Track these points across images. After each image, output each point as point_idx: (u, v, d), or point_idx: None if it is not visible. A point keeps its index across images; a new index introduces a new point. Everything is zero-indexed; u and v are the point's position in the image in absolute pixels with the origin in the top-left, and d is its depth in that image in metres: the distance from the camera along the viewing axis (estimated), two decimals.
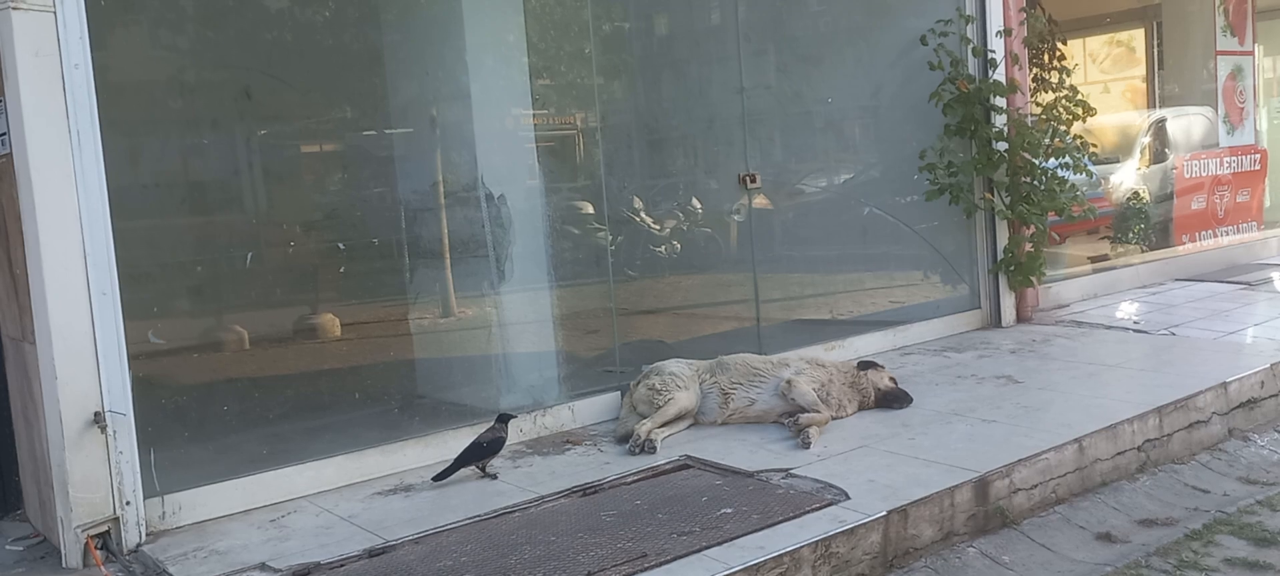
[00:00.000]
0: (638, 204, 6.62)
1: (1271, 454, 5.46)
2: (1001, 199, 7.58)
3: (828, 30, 7.88)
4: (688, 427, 5.52)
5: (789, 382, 5.46)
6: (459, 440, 5.06)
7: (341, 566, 3.99)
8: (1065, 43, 10.11)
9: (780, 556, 3.82)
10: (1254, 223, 10.94)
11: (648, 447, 5.15)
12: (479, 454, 4.93)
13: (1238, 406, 5.74)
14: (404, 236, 5.80)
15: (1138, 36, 12.09)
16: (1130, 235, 10.28)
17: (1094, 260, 9.94)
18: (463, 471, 4.90)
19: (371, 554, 4.07)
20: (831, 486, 4.46)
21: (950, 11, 7.45)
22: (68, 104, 4.12)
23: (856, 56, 7.89)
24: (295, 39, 5.67)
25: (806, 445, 5.06)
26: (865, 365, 5.86)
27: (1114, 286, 9.17)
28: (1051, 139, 7.55)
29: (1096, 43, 12.49)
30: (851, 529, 4.03)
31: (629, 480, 4.79)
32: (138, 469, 4.33)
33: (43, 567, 4.37)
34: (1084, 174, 7.79)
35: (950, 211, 7.53)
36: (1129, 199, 10.42)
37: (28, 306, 4.27)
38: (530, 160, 6.27)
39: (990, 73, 7.53)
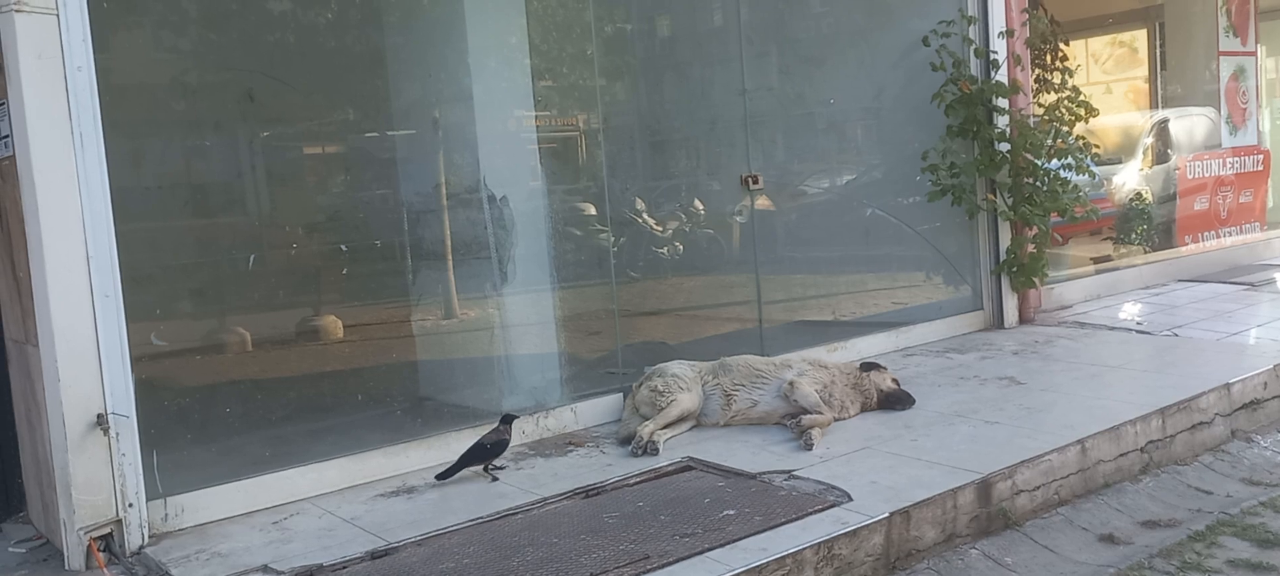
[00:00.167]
0: (640, 205, 6.62)
1: (1275, 455, 5.45)
2: (1004, 200, 7.58)
3: (830, 32, 7.87)
4: (690, 429, 5.52)
5: (791, 384, 5.46)
6: (461, 442, 5.07)
7: (344, 568, 3.99)
8: (1067, 43, 10.10)
9: (783, 558, 3.81)
10: (1257, 223, 10.93)
11: (650, 449, 5.15)
12: (482, 454, 4.94)
13: (1241, 407, 5.74)
14: (406, 238, 5.80)
15: (1140, 37, 12.07)
16: (1133, 236, 10.27)
17: (1096, 261, 9.93)
18: (466, 471, 4.91)
19: (374, 556, 4.07)
20: (834, 488, 4.46)
21: (952, 12, 7.45)
22: (70, 106, 4.13)
23: (859, 58, 7.88)
24: (298, 41, 5.68)
25: (809, 447, 5.05)
26: (868, 366, 5.86)
27: (1117, 287, 9.16)
28: (1054, 140, 7.54)
29: (1099, 43, 12.47)
30: (854, 530, 4.02)
31: (631, 482, 4.79)
32: (140, 471, 4.33)
33: (45, 570, 4.38)
34: (1086, 175, 7.78)
35: (952, 212, 7.52)
36: (1131, 200, 10.41)
37: (30, 309, 4.27)
38: (533, 162, 6.27)
39: (992, 74, 7.52)
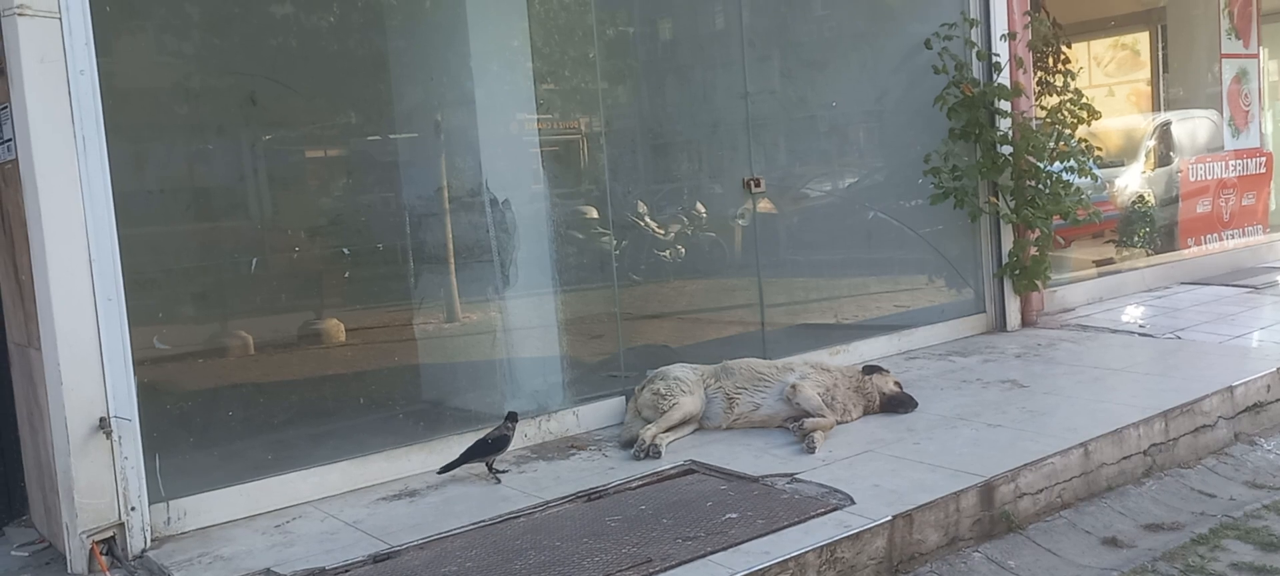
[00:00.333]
0: (642, 208, 6.62)
1: (1278, 458, 5.44)
2: (1006, 203, 7.57)
3: (832, 35, 7.87)
4: (692, 432, 5.52)
5: (794, 387, 5.45)
6: (463, 446, 5.07)
7: (346, 572, 3.99)
8: (1070, 46, 10.09)
9: (785, 561, 3.81)
10: (1260, 226, 10.92)
11: (652, 452, 5.15)
12: (484, 450, 4.95)
13: (1244, 410, 5.73)
14: (409, 242, 5.80)
15: (1142, 40, 12.06)
16: (1135, 239, 10.26)
17: (1099, 264, 9.92)
18: (470, 467, 4.93)
19: (376, 559, 4.07)
20: (836, 491, 4.45)
21: (954, 15, 7.45)
22: (73, 110, 4.13)
23: (861, 61, 7.88)
24: (300, 45, 5.68)
25: (811, 450, 5.05)
26: (870, 369, 5.85)
27: (1119, 290, 9.15)
28: (1056, 142, 7.54)
29: (1101, 46, 12.47)
30: (857, 534, 4.02)
31: (634, 485, 4.79)
32: (143, 474, 4.33)
33: (48, 573, 4.38)
34: (1089, 177, 7.77)
35: (955, 215, 7.52)
36: (1134, 202, 10.40)
37: (33, 312, 4.27)
38: (535, 165, 6.26)
39: (995, 76, 7.52)
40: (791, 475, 4.72)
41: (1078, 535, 4.49)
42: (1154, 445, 5.19)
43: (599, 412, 5.86)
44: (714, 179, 7.21)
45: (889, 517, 4.13)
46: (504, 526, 4.36)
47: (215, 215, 5.36)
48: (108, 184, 4.24)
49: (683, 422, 5.46)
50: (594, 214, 6.36)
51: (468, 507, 4.59)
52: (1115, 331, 7.60)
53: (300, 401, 5.43)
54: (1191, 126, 10.84)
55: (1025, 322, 7.93)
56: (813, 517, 4.19)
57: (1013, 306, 7.88)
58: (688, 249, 6.81)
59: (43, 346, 4.23)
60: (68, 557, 4.26)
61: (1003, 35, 7.61)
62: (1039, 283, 7.76)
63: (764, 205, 7.02)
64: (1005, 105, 7.50)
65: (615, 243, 6.33)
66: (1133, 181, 10.54)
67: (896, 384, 5.82)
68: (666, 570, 3.79)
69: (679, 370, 5.66)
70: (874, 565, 4.05)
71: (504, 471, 5.05)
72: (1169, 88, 11.45)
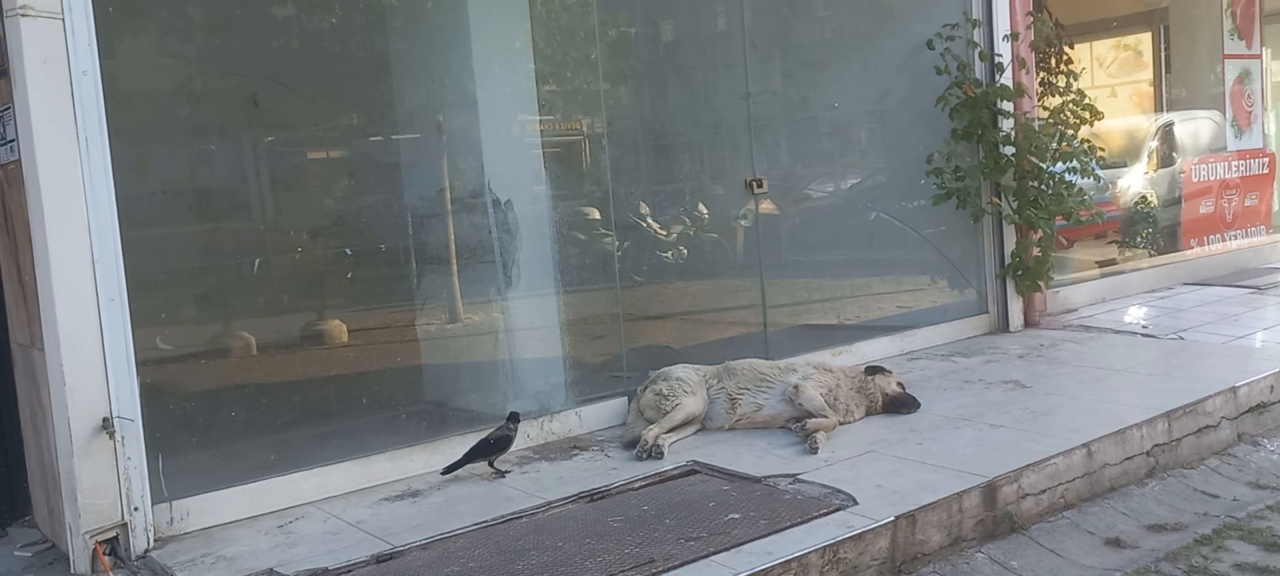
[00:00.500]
0: (644, 209, 6.62)
1: None
2: (1009, 203, 7.57)
3: (834, 35, 7.87)
4: (695, 433, 5.52)
5: (796, 388, 5.45)
6: (466, 446, 5.07)
7: (349, 572, 3.99)
8: (1072, 46, 10.10)
9: (788, 562, 3.81)
10: (1262, 227, 10.90)
11: (655, 453, 5.15)
12: (486, 450, 4.96)
13: (1247, 411, 5.72)
14: (411, 242, 5.80)
15: (1145, 40, 12.07)
16: (1138, 239, 10.25)
17: (1101, 265, 9.91)
18: (473, 467, 4.94)
19: (379, 560, 4.07)
20: (839, 492, 4.45)
21: (957, 16, 7.45)
22: (76, 111, 4.14)
23: (863, 61, 7.88)
24: (302, 46, 5.68)
25: (814, 450, 5.05)
26: (873, 370, 5.85)
27: (1122, 291, 9.14)
28: (1059, 143, 7.54)
29: (1103, 46, 12.47)
30: (859, 534, 4.02)
31: (636, 485, 4.79)
32: (146, 475, 4.34)
33: (51, 574, 4.39)
34: (1091, 178, 7.77)
35: (957, 216, 7.51)
36: (1136, 203, 10.39)
37: (36, 313, 4.28)
38: (537, 166, 6.26)
39: (997, 77, 7.51)
40: (794, 475, 4.72)
41: (1081, 535, 4.48)
42: (1157, 445, 5.18)
43: (601, 413, 5.86)
44: (716, 180, 7.21)
45: (892, 518, 4.13)
46: (506, 526, 4.36)
47: (218, 216, 5.36)
48: (110, 184, 4.24)
49: (685, 423, 5.45)
50: (596, 215, 6.36)
51: (470, 508, 4.59)
52: (1118, 332, 7.60)
53: (303, 402, 5.43)
54: (1194, 127, 10.83)
55: (1028, 323, 7.93)
56: (815, 518, 4.18)
57: (1015, 307, 7.87)
58: (690, 250, 6.81)
59: (46, 347, 4.23)
60: (71, 558, 4.26)
61: (1005, 36, 7.60)
62: (1042, 283, 7.76)
63: (766, 206, 7.02)
64: (1008, 106, 7.49)
65: (617, 243, 6.33)
66: (1135, 182, 10.54)
67: (899, 384, 5.81)
68: (669, 570, 3.79)
69: (681, 370, 5.66)
70: (877, 565, 4.05)
71: (506, 471, 5.05)
72: (1171, 88, 11.45)
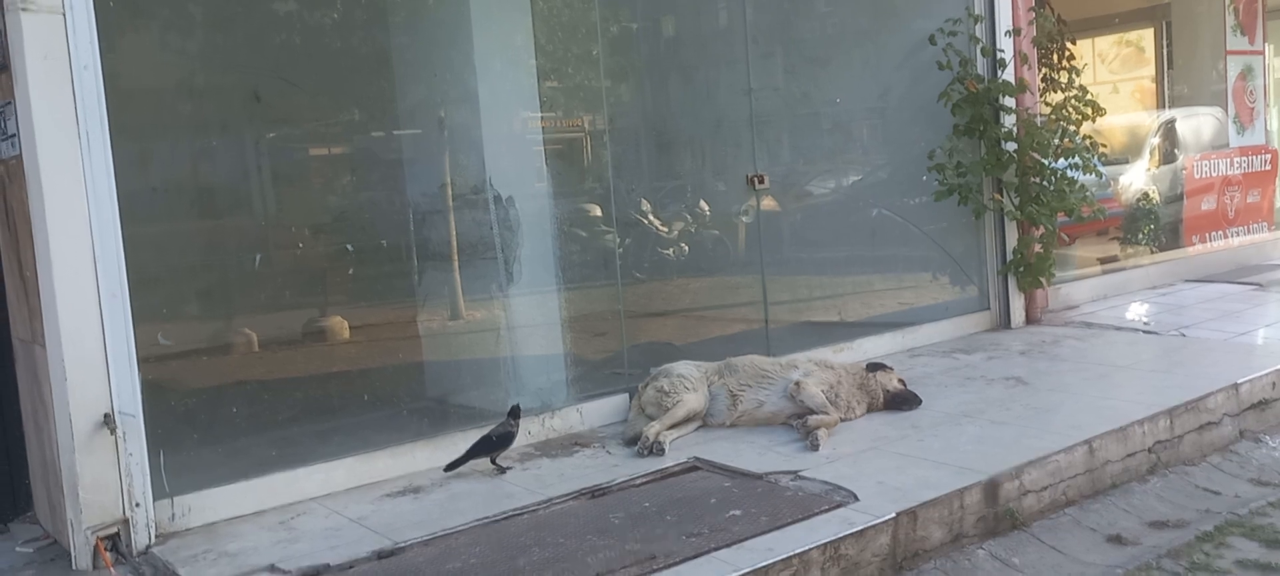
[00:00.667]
0: (646, 206, 6.61)
1: None
2: (1010, 199, 7.56)
3: (836, 31, 7.86)
4: (696, 430, 5.52)
5: (798, 384, 5.45)
6: (468, 442, 5.08)
7: (351, 568, 3.99)
8: (1074, 42, 10.07)
9: (789, 558, 3.81)
10: (1265, 223, 10.88)
11: (656, 449, 5.15)
12: (489, 447, 4.97)
13: (1249, 408, 5.71)
14: (412, 239, 5.80)
15: (1147, 36, 12.03)
16: (1140, 236, 10.24)
17: (1103, 261, 9.90)
18: (474, 463, 4.95)
19: (381, 555, 4.07)
20: (840, 488, 4.45)
21: (959, 11, 7.43)
22: (77, 106, 4.14)
23: (864, 57, 7.87)
24: (304, 42, 5.68)
25: (815, 447, 5.04)
26: (874, 367, 5.84)
27: (1124, 287, 9.13)
28: (1061, 139, 7.52)
29: (1105, 43, 12.44)
30: (860, 531, 4.02)
31: (637, 482, 4.79)
32: (147, 471, 4.34)
33: (53, 570, 4.38)
34: (1093, 174, 7.76)
35: (959, 212, 7.51)
36: (1138, 200, 10.38)
37: (37, 309, 4.28)
38: (538, 163, 6.26)
39: (999, 73, 7.50)
40: (795, 472, 4.72)
41: (1082, 532, 4.48)
42: (1159, 442, 5.18)
43: (603, 410, 5.86)
44: (718, 176, 7.20)
45: (893, 514, 4.12)
46: (508, 523, 4.36)
47: (219, 212, 5.36)
48: (111, 180, 4.24)
49: (686, 420, 5.45)
50: (598, 211, 6.35)
51: (472, 504, 4.59)
52: (1120, 328, 7.59)
53: (305, 398, 5.43)
54: (1196, 123, 10.81)
55: (1029, 320, 7.92)
56: (817, 514, 4.18)
57: (1017, 303, 7.87)
58: (691, 246, 6.80)
59: (47, 342, 4.23)
60: (72, 554, 4.26)
61: (1007, 31, 7.59)
62: (1043, 280, 7.75)
63: (768, 202, 7.01)
64: (1010, 101, 7.48)
65: (619, 240, 6.32)
66: (1137, 178, 10.52)
67: (900, 381, 5.81)
68: (670, 566, 3.79)
69: (683, 367, 5.66)
70: (878, 562, 4.05)
71: (508, 468, 5.05)
72: (1173, 84, 11.42)
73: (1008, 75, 7.52)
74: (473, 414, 5.56)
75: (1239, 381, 5.70)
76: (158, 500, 4.41)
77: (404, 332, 5.87)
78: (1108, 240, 10.30)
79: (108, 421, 4.22)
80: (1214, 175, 10.41)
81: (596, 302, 6.33)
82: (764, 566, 3.75)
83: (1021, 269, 7.68)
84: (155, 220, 4.93)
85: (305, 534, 4.38)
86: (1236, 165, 10.59)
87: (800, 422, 5.31)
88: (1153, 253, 10.15)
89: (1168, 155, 10.73)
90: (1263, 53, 10.83)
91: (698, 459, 5.04)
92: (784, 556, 3.80)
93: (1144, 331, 7.45)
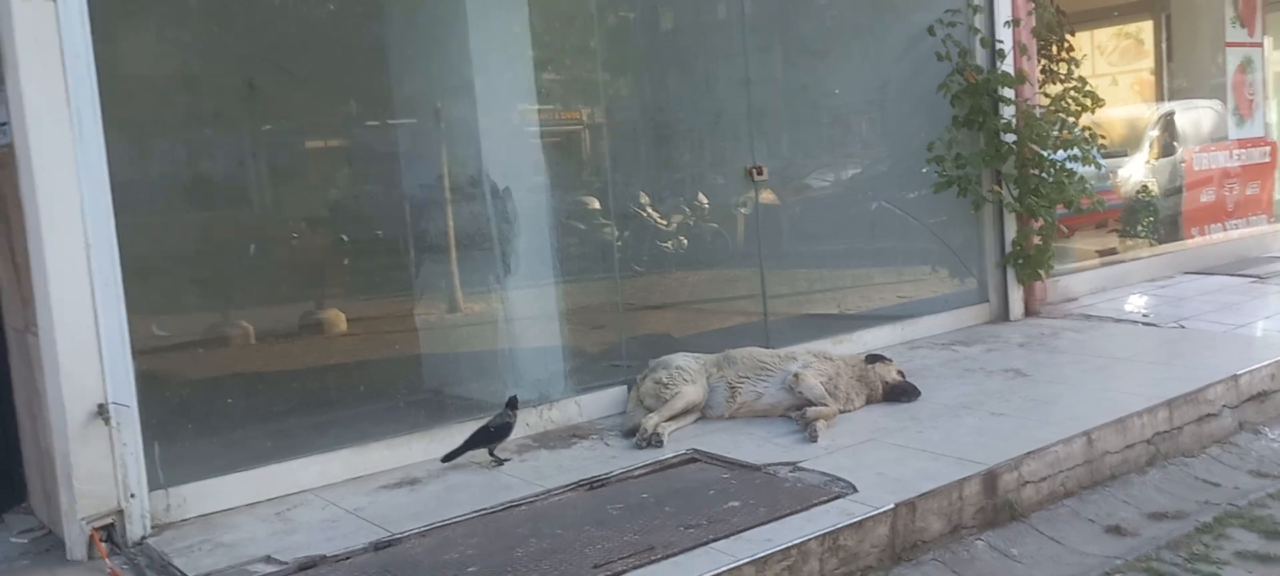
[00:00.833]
0: (644, 198, 6.59)
1: None
2: (1010, 191, 7.54)
3: (834, 22, 7.83)
4: (695, 421, 5.50)
5: (796, 376, 5.43)
6: (465, 434, 5.05)
7: (347, 559, 3.97)
8: (1073, 34, 10.04)
9: (788, 549, 3.79)
10: (1264, 215, 10.87)
11: (654, 441, 5.13)
12: (486, 438, 4.96)
13: (1248, 399, 5.70)
14: (409, 231, 5.78)
15: (1146, 28, 12.03)
16: (1139, 228, 10.23)
17: (1102, 253, 9.89)
18: (472, 455, 4.94)
19: (377, 546, 4.05)
20: (839, 479, 4.43)
21: (958, 2, 7.40)
22: (69, 93, 4.12)
23: (863, 48, 7.84)
24: (300, 32, 5.65)
25: (814, 438, 5.03)
26: (873, 358, 5.83)
27: (1123, 280, 9.12)
28: (1060, 131, 7.50)
29: (1105, 34, 12.43)
30: (859, 521, 4.00)
31: (636, 474, 4.77)
32: (142, 461, 4.33)
33: (48, 560, 4.37)
34: (1092, 166, 7.74)
35: (958, 204, 7.48)
36: (1138, 192, 10.37)
37: (31, 297, 4.26)
38: (535, 155, 6.24)
39: (998, 64, 7.48)
40: (794, 463, 4.70)
41: (1081, 523, 4.47)
42: (1158, 433, 5.16)
43: (601, 402, 5.85)
44: (716, 168, 7.18)
45: (892, 505, 4.11)
46: (506, 514, 4.34)
47: (215, 203, 5.33)
48: (105, 169, 4.22)
49: (685, 411, 5.44)
50: (595, 204, 6.33)
51: (469, 495, 4.57)
52: (1119, 320, 7.58)
53: (301, 389, 5.41)
54: (1195, 116, 10.80)
55: (1028, 312, 7.91)
56: (815, 505, 4.17)
57: (1016, 296, 7.85)
58: (690, 239, 6.79)
59: (40, 331, 4.21)
60: (67, 544, 4.25)
61: (1006, 22, 7.57)
62: (1042, 272, 7.73)
63: (766, 195, 6.99)
64: (1009, 93, 7.46)
65: (617, 233, 6.30)
66: (1136, 171, 10.51)
67: (899, 373, 5.79)
68: (668, 558, 3.77)
69: (681, 359, 5.65)
70: (877, 552, 4.03)
71: (506, 459, 5.03)
72: (1173, 77, 11.41)
73: (1007, 66, 7.49)
74: (470, 405, 5.53)
75: (1238, 373, 5.68)
76: (153, 491, 4.39)
77: (401, 324, 5.85)
78: (1107, 232, 10.29)
79: (102, 412, 4.20)
80: (1213, 167, 10.40)
81: (595, 295, 6.31)
82: (762, 557, 3.73)
83: (1020, 261, 7.66)
84: (150, 210, 4.91)
85: (301, 525, 4.37)
86: (1236, 157, 10.57)
87: (799, 414, 5.30)
88: (1152, 245, 10.14)
89: (1167, 147, 10.72)
90: (1262, 45, 10.81)
91: (696, 450, 5.02)
92: (782, 547, 3.79)
93: (1143, 323, 7.43)
